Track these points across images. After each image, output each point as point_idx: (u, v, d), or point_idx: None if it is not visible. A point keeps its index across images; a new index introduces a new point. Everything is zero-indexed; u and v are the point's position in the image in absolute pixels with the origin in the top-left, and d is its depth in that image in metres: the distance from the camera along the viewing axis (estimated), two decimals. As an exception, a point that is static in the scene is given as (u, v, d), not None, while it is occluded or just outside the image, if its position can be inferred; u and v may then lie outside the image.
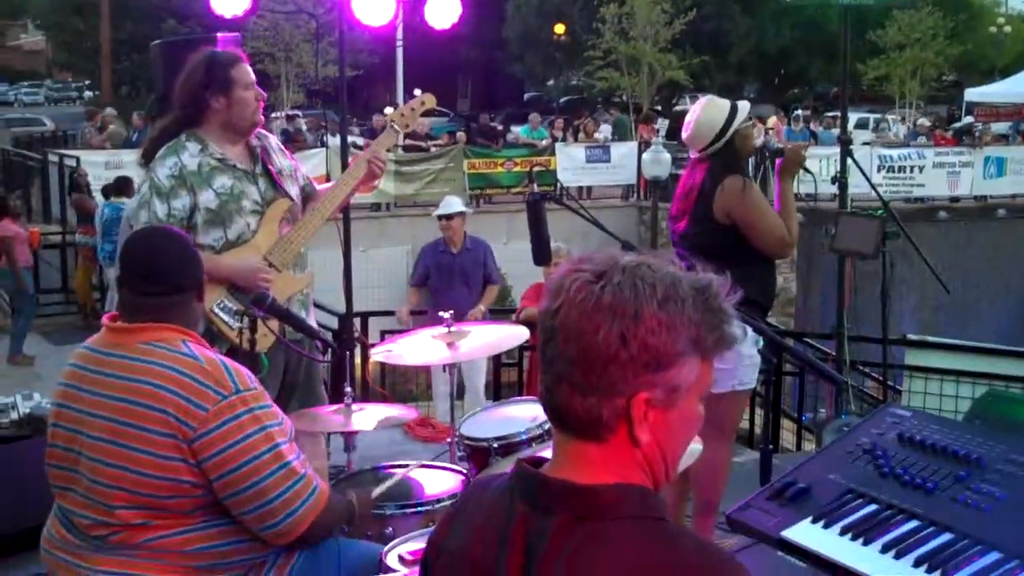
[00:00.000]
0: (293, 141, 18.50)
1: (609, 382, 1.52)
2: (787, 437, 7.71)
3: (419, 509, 3.44)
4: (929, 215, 21.32)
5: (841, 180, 6.60)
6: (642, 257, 1.58)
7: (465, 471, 3.79)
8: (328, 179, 13.07)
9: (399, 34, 21.19)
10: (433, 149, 19.54)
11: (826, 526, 2.29)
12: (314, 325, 4.14)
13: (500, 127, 25.09)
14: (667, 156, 16.68)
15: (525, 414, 3.92)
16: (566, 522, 1.54)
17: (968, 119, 30.40)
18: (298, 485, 2.61)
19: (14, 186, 19.66)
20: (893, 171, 21.24)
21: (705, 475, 4.30)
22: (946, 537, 2.19)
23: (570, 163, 20.07)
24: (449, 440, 4.31)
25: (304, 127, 21.69)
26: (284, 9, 23.03)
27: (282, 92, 28.67)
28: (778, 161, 4.75)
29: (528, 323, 6.68)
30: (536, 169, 18.57)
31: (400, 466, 3.87)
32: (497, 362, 7.97)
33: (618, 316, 1.50)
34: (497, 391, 7.89)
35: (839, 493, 2.38)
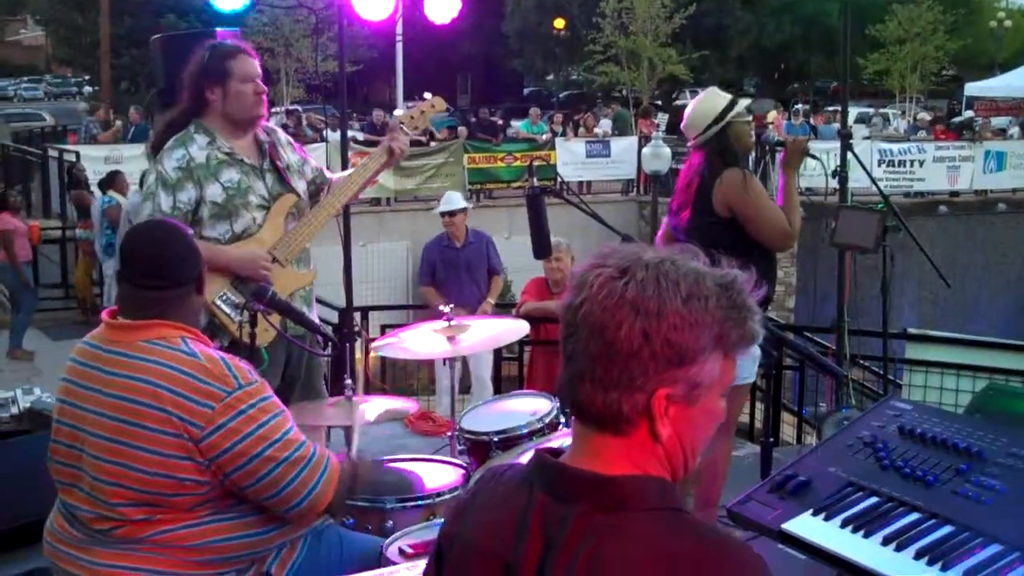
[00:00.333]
0: (293, 136, 18.46)
1: (630, 378, 1.52)
2: (787, 431, 7.71)
3: (419, 503, 3.44)
4: (929, 209, 21.30)
5: (841, 174, 6.59)
6: (666, 253, 1.58)
7: (465, 465, 3.80)
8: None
9: (399, 29, 21.21)
10: (433, 144, 19.52)
11: (827, 519, 2.30)
12: (316, 320, 4.14)
13: (500, 122, 25.05)
14: (667, 151, 16.65)
15: (525, 408, 3.92)
16: (587, 511, 1.54)
17: (968, 113, 30.39)
18: (312, 462, 2.65)
19: (14, 181, 19.66)
20: (893, 165, 21.22)
21: (706, 469, 4.31)
22: (947, 530, 2.20)
23: (570, 158, 20.05)
24: (449, 434, 4.31)
25: (304, 122, 21.67)
26: (284, 4, 23.05)
27: (282, 87, 28.67)
28: (781, 153, 4.75)
29: (528, 317, 6.69)
30: (536, 164, 18.50)
31: (400, 460, 3.88)
32: (498, 356, 7.99)
33: (641, 313, 1.51)
34: (498, 385, 7.90)
35: (840, 486, 2.39)
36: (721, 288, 1.56)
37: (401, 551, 2.95)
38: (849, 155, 6.75)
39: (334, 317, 6.97)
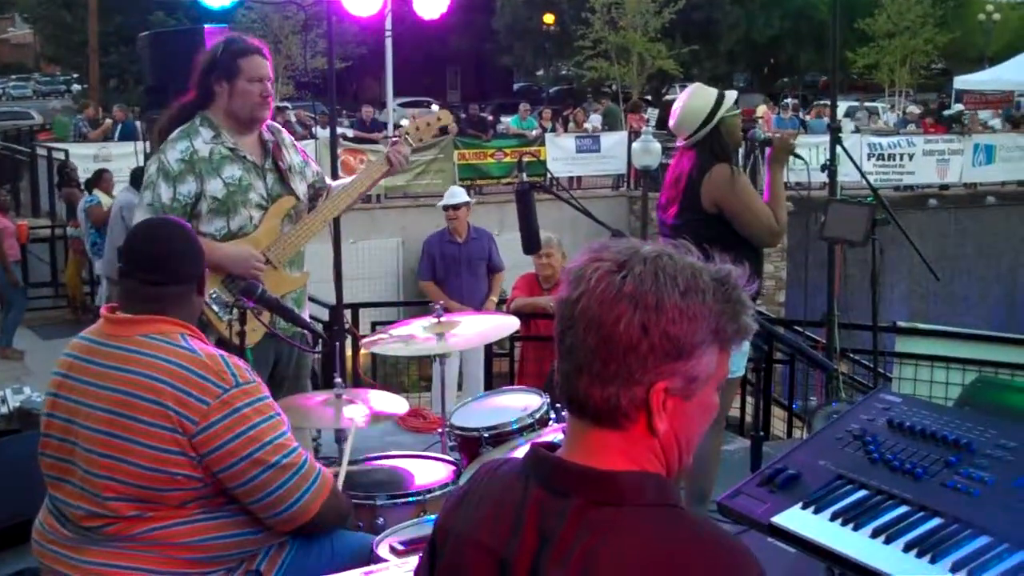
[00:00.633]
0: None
1: (628, 371, 1.53)
2: (778, 425, 7.72)
3: (410, 499, 3.44)
4: (919, 203, 21.35)
5: (831, 168, 6.60)
6: (662, 247, 1.59)
7: (455, 461, 3.80)
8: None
9: (388, 25, 21.16)
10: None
11: (816, 512, 2.30)
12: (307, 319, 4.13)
13: (490, 118, 25.02)
14: (657, 146, 16.64)
15: (516, 404, 3.93)
16: (582, 506, 1.54)
17: (958, 107, 30.47)
18: (302, 472, 2.64)
19: (2, 180, 19.57)
20: (883, 159, 21.26)
21: (695, 463, 4.30)
22: (936, 522, 2.20)
23: (560, 153, 20.04)
24: (440, 430, 4.31)
25: (293, 119, 21.62)
26: (272, 0, 22.96)
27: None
28: (768, 149, 4.75)
29: (519, 313, 6.69)
30: (526, 159, 18.52)
31: (387, 457, 3.88)
32: (489, 352, 7.98)
33: (639, 306, 1.51)
34: (489, 381, 7.90)
35: (829, 479, 2.39)
36: (717, 282, 1.57)
37: (392, 548, 2.95)
38: (839, 149, 6.76)
39: (324, 314, 6.96)
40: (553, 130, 21.61)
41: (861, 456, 2.44)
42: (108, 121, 20.48)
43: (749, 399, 7.26)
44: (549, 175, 17.80)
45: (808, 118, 24.36)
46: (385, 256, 17.68)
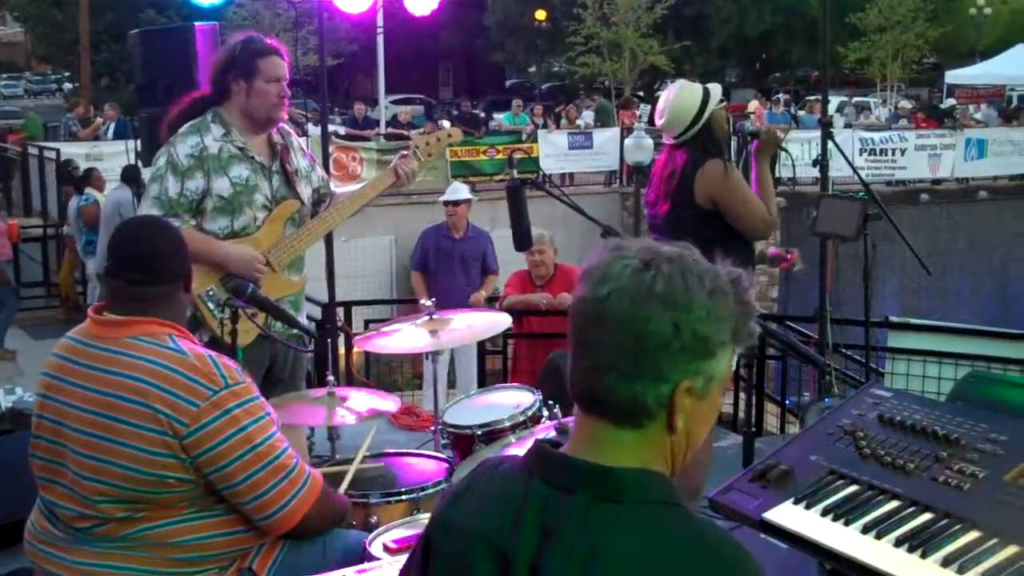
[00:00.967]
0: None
1: (658, 369, 1.54)
2: (771, 421, 7.73)
3: (403, 497, 3.44)
4: (911, 198, 21.37)
5: (822, 163, 6.59)
6: (678, 248, 1.61)
7: (448, 459, 3.80)
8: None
9: (379, 21, 21.14)
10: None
11: (808, 507, 2.31)
12: (303, 321, 4.12)
13: (482, 115, 25.01)
14: (649, 142, 16.63)
15: (508, 401, 3.93)
16: (586, 502, 1.55)
17: (951, 101, 30.50)
18: (291, 475, 2.63)
19: (-5, 179, 19.53)
20: (875, 154, 21.26)
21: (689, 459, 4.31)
22: (926, 517, 2.21)
23: (553, 150, 20.02)
24: (433, 428, 4.31)
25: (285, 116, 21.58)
26: (263, -3, 22.90)
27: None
28: (755, 143, 4.76)
29: (511, 310, 6.69)
30: (519, 156, 18.51)
31: (383, 455, 3.88)
32: (481, 349, 7.98)
33: (671, 305, 1.53)
34: (482, 378, 7.90)
35: (821, 474, 2.40)
36: (732, 284, 1.60)
37: (385, 547, 2.95)
38: (830, 144, 6.75)
39: (317, 312, 6.95)
40: (545, 127, 21.60)
41: (852, 451, 2.45)
42: (98, 120, 20.41)
43: (742, 395, 7.27)
44: (541, 172, 17.81)
45: (801, 113, 24.37)
46: (378, 254, 17.65)
